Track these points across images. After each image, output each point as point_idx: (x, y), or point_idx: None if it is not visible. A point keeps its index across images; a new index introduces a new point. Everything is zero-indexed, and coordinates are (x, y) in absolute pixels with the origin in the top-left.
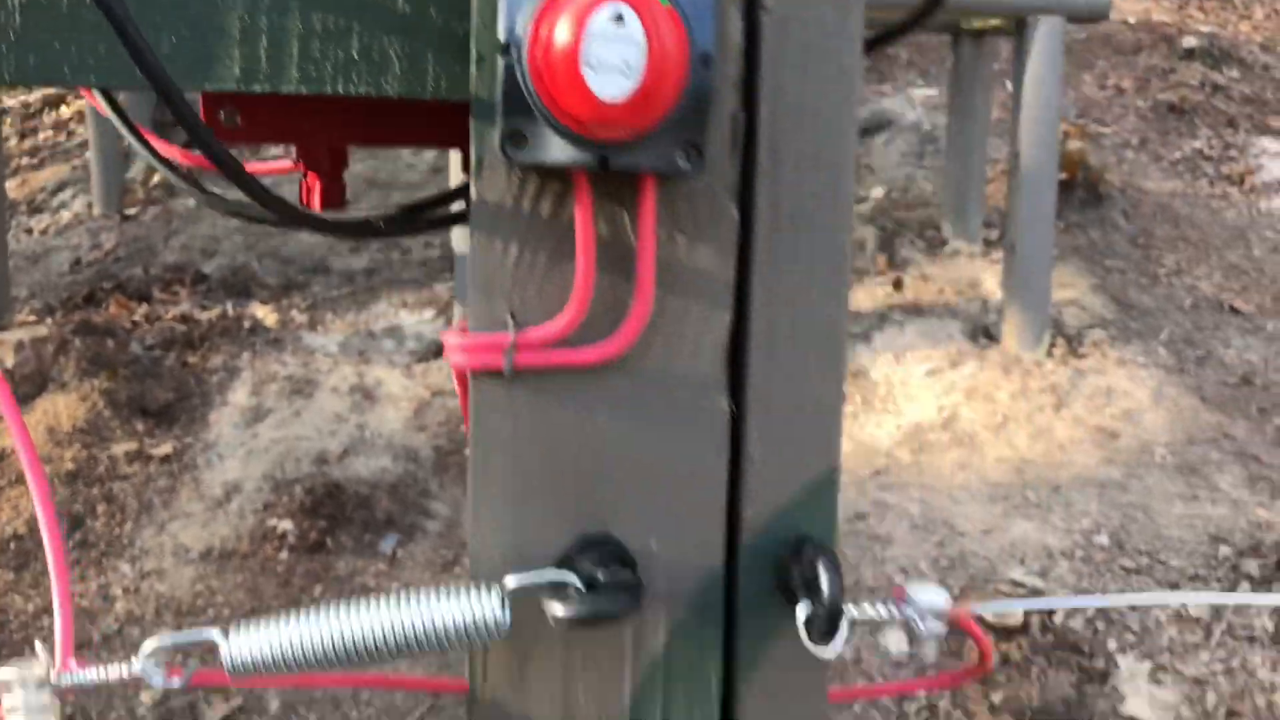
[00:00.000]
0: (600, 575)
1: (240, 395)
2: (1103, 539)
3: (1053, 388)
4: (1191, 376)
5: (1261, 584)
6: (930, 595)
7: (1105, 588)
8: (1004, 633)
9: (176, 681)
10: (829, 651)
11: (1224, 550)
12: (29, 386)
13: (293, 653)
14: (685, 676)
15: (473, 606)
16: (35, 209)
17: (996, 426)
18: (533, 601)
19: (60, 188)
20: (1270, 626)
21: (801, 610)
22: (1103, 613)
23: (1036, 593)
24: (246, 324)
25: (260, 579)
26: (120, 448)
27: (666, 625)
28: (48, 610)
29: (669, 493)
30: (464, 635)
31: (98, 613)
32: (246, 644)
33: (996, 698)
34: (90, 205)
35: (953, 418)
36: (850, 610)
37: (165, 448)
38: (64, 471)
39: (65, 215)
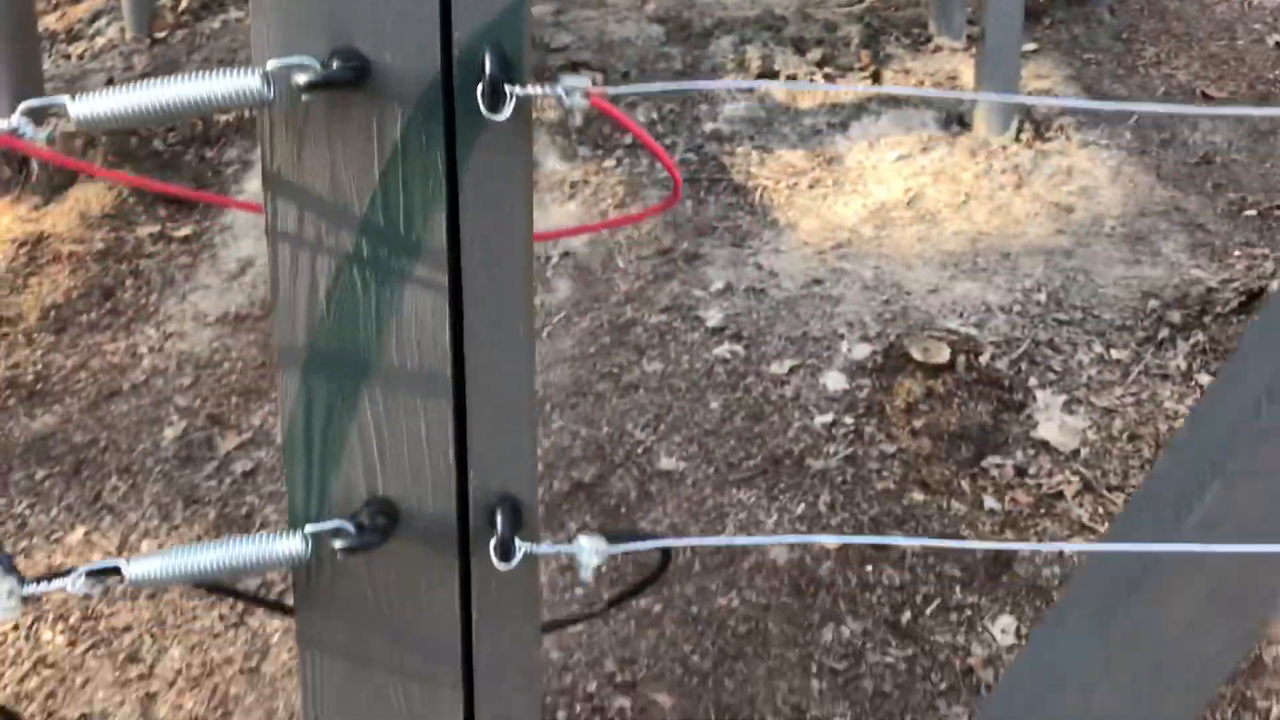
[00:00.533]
0: (335, 64)
1: (254, 184)
2: (1041, 296)
3: (1016, 168)
4: (1153, 157)
5: (1182, 330)
6: (574, 79)
7: (1036, 337)
8: (931, 369)
9: (43, 134)
10: (500, 116)
11: (1152, 304)
12: (62, 177)
13: (122, 110)
14: (418, 157)
15: (240, 81)
16: (73, 37)
17: (958, 204)
18: (310, 109)
19: (96, 17)
20: (1184, 366)
21: (479, 86)
22: (1027, 354)
23: (968, 339)
24: None
25: (271, 338)
26: (145, 230)
27: (402, 119)
28: (84, 366)
29: (394, 12)
30: (233, 100)
31: (127, 367)
32: (91, 104)
33: (918, 423)
34: (123, 30)
35: (917, 197)
36: (515, 88)
37: (185, 230)
38: (95, 250)
39: (100, 41)
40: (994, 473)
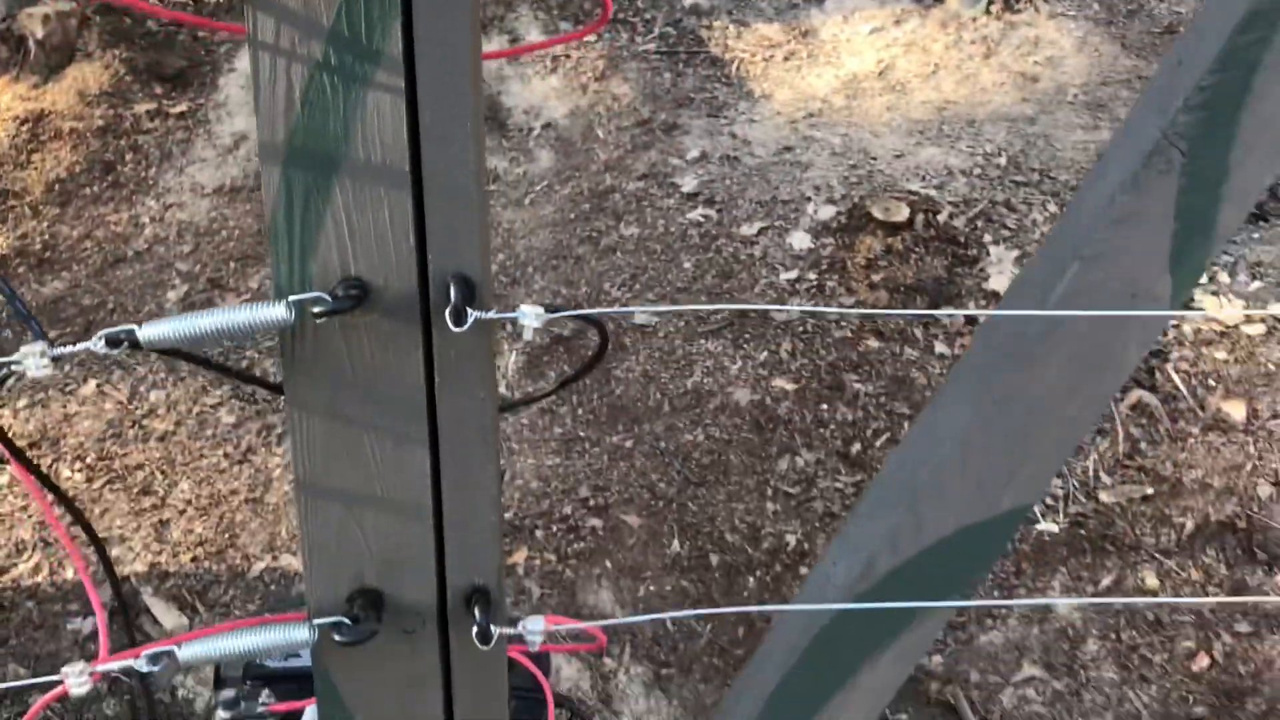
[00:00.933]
0: None
1: (245, 63)
2: (1001, 160)
3: (984, 39)
4: (1119, 27)
5: None
6: None
7: (993, 197)
8: (891, 227)
9: None
10: None
11: None
12: (59, 57)
13: None
14: None
15: None
16: None
17: (927, 74)
18: None
19: None
20: None
21: None
22: (984, 213)
23: (928, 200)
24: None
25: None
26: (142, 107)
27: None
28: (89, 235)
29: None
30: None
31: (130, 236)
32: None
33: (876, 277)
34: None
35: (888, 68)
36: None
37: (181, 106)
38: (95, 127)
39: None
40: (945, 321)
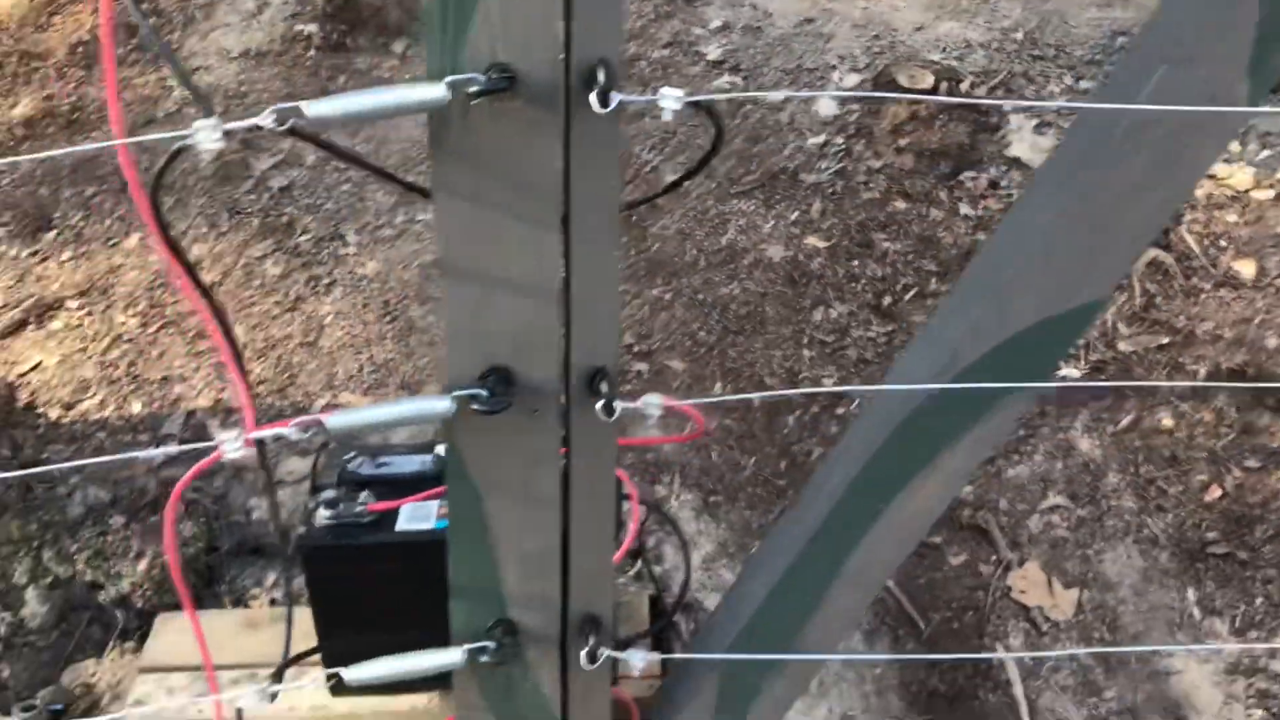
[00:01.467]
0: None
1: None
2: (1018, 35)
3: None
4: None
5: None
6: None
7: (1011, 69)
8: (916, 93)
9: None
10: None
11: (1121, 40)
12: None
13: None
14: None
15: None
16: None
17: None
18: None
19: None
20: None
21: None
22: (1003, 83)
23: (950, 70)
24: None
25: (292, 72)
26: None
27: None
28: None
29: None
30: None
31: (159, 98)
32: None
33: (902, 142)
34: None
35: None
36: None
37: None
38: None
39: None
40: (969, 184)
